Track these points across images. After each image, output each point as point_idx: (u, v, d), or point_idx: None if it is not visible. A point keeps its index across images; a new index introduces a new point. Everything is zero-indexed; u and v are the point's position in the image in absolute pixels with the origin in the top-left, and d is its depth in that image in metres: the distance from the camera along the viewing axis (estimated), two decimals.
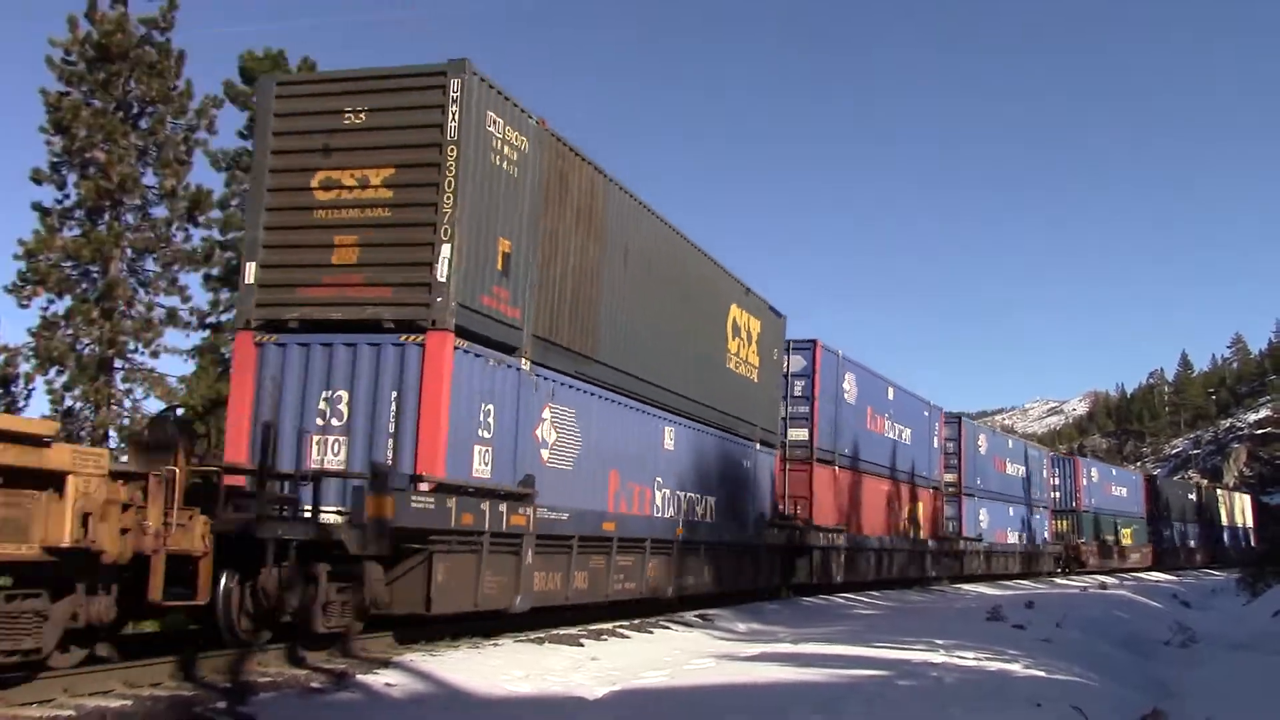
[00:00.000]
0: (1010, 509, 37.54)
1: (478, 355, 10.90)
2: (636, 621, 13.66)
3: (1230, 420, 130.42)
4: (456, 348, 10.48)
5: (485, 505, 10.76)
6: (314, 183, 10.96)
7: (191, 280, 24.33)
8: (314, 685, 7.91)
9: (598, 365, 13.28)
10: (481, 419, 11.00)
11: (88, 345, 20.57)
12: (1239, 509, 70.66)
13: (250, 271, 11.04)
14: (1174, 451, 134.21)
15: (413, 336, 10.43)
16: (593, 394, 13.21)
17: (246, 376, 10.91)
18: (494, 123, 11.09)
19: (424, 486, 10.06)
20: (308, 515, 9.80)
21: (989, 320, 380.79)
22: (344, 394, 10.59)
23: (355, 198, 10.85)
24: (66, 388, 20.23)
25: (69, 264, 20.50)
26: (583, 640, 11.59)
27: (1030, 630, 14.13)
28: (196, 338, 22.97)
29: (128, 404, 21.27)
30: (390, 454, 10.35)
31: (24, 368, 20.01)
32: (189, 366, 22.94)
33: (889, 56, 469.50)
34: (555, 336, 12.33)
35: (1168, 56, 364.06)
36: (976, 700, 8.23)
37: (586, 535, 12.89)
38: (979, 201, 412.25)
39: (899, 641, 12.30)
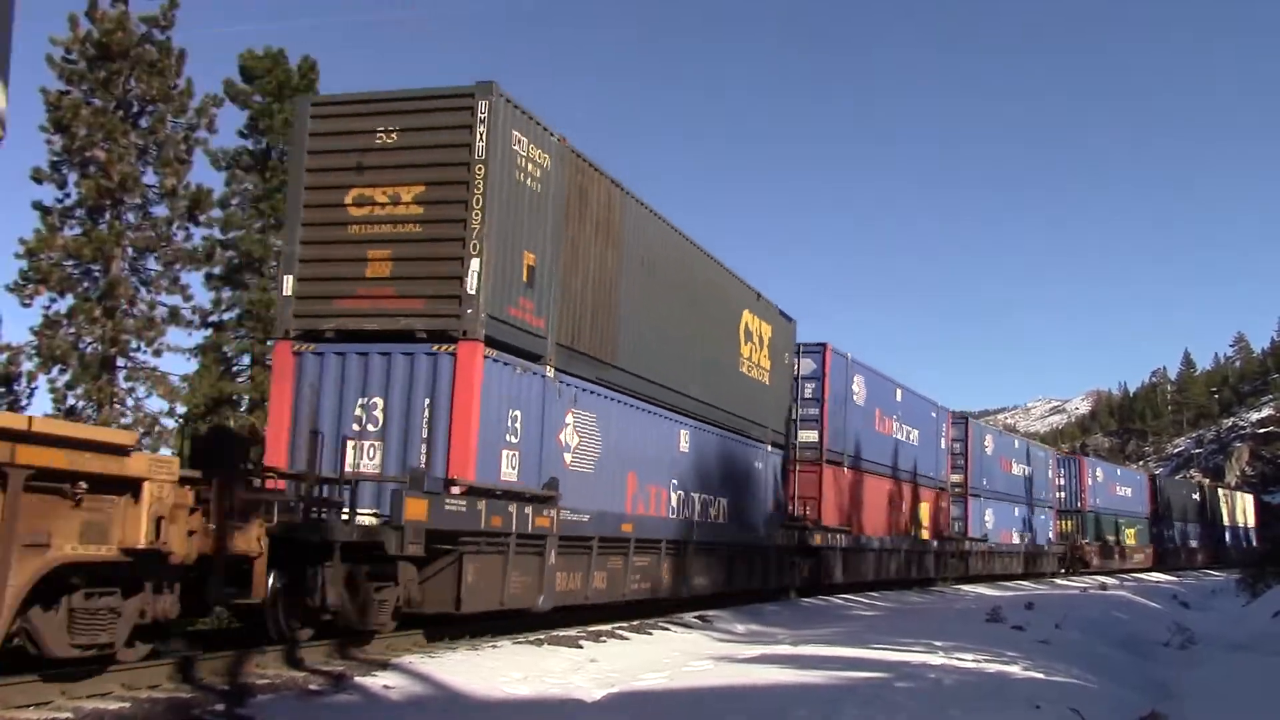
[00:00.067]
0: (1016, 509, 37.93)
1: (505, 363, 11.39)
2: (635, 623, 13.81)
3: (1233, 419, 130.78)
4: (486, 356, 10.97)
5: (513, 507, 11.27)
6: (348, 199, 11.45)
7: (193, 279, 24.47)
8: (312, 687, 7.96)
9: (617, 371, 13.77)
10: (509, 424, 11.50)
11: (90, 344, 20.71)
12: (1240, 508, 70.92)
13: (288, 284, 11.53)
14: (1176, 450, 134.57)
15: (444, 346, 10.92)
16: (612, 399, 13.71)
17: (285, 384, 11.40)
18: (519, 141, 11.59)
19: (456, 490, 10.55)
20: (345, 517, 10.30)
21: (990, 320, 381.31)
22: (379, 401, 11.09)
23: (388, 214, 11.34)
24: (69, 386, 20.43)
25: (70, 263, 20.66)
26: (581, 642, 11.70)
27: (1029, 631, 14.20)
28: (199, 336, 23.17)
29: (130, 403, 21.46)
30: (423, 459, 10.83)
31: (26, 366, 20.26)
32: (191, 365, 23.14)
33: (889, 56, 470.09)
34: (577, 344, 12.82)
35: (1168, 56, 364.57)
36: (975, 701, 8.29)
37: (606, 536, 13.39)
38: (979, 201, 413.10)
39: (898, 643, 12.36)
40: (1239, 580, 30.78)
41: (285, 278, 11.58)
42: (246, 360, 23.88)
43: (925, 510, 29.15)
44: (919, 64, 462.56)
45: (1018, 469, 38.54)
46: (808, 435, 21.65)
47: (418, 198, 11.26)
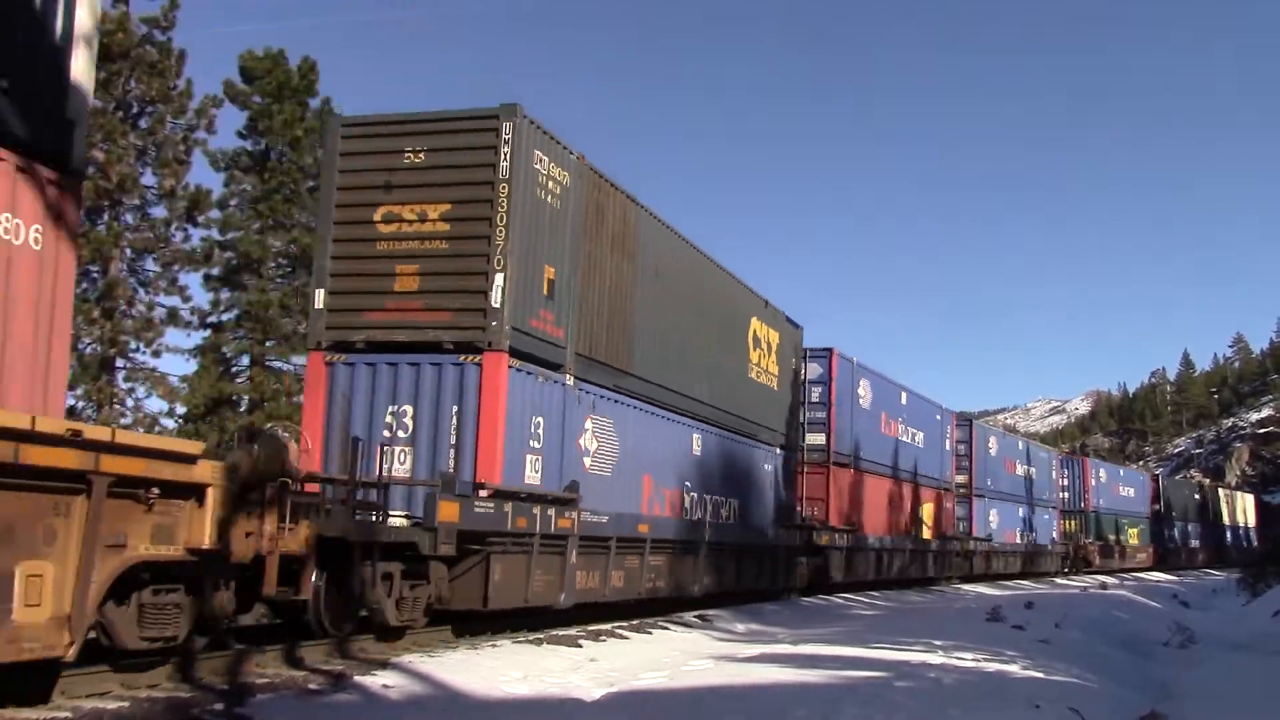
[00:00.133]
0: (1020, 509, 38.48)
1: (528, 373, 11.94)
2: (635, 622, 13.93)
3: (1232, 419, 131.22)
4: (510, 366, 11.52)
5: (536, 509, 11.81)
6: (377, 217, 12.01)
7: (192, 280, 24.78)
8: (312, 687, 7.96)
9: (632, 378, 14.32)
10: (532, 430, 12.04)
11: (89, 345, 20.88)
12: (1241, 508, 71.43)
13: (319, 297, 12.08)
14: (1176, 451, 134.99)
15: (471, 357, 11.47)
16: (629, 405, 14.25)
17: (318, 393, 11.95)
18: (540, 160, 12.14)
19: (483, 493, 11.10)
20: (380, 519, 10.83)
21: (990, 320, 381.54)
22: (409, 409, 11.64)
23: (415, 230, 11.89)
24: (69, 387, 20.79)
25: None
26: (581, 641, 11.77)
27: (1029, 631, 14.25)
28: (197, 337, 23.48)
29: (130, 403, 21.71)
30: (452, 463, 11.38)
31: None
32: (190, 366, 23.47)
33: (889, 56, 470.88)
34: (595, 353, 13.36)
35: (1168, 56, 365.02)
36: (975, 701, 8.28)
37: (624, 537, 13.93)
38: (979, 201, 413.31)
39: (898, 642, 12.39)
40: (1239, 580, 31.03)
41: (317, 291, 12.13)
42: (245, 361, 24.22)
43: (931, 511, 29.67)
44: (919, 64, 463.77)
45: (1021, 470, 39.09)
46: (815, 438, 22.22)
47: (444, 215, 11.81)
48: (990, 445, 35.72)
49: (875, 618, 18.29)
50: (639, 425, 14.53)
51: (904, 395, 27.77)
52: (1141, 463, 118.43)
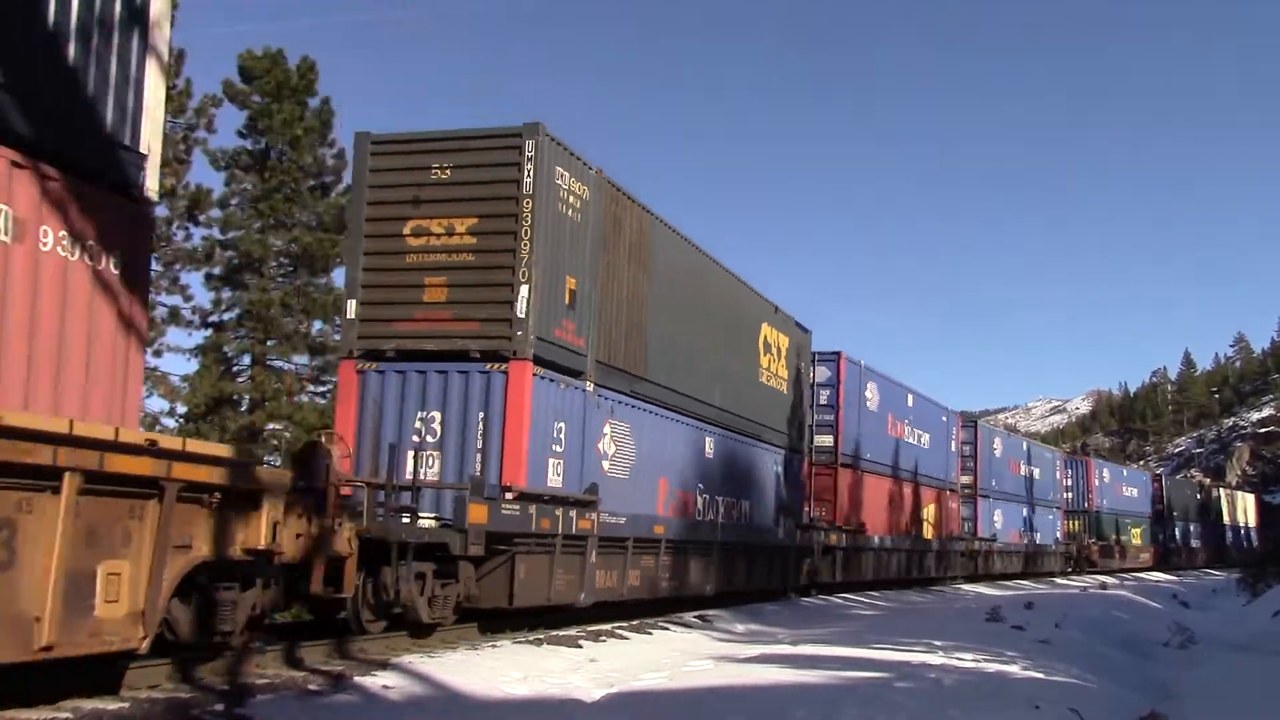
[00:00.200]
0: (1024, 510, 38.96)
1: (551, 380, 12.44)
2: (635, 623, 14.05)
3: (1233, 419, 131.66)
4: (534, 374, 12.03)
5: (559, 511, 12.33)
6: (406, 230, 12.52)
7: (193, 279, 24.79)
8: (311, 687, 7.99)
9: (648, 384, 14.83)
10: (554, 435, 12.55)
11: None
12: (1241, 508, 71.84)
13: (351, 308, 12.60)
14: (1177, 450, 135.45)
15: (497, 365, 11.98)
16: (645, 410, 14.77)
17: (350, 400, 12.46)
18: (561, 176, 12.65)
19: (509, 496, 11.62)
20: (410, 520, 11.35)
21: (990, 320, 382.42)
22: (437, 415, 12.15)
23: (443, 244, 12.40)
24: None
25: None
26: (581, 641, 11.86)
27: (1029, 631, 14.28)
28: (199, 336, 23.64)
29: None
30: (479, 467, 11.89)
31: None
32: (192, 365, 23.58)
33: (889, 56, 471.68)
34: (613, 360, 13.87)
35: (1168, 56, 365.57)
36: (974, 701, 8.28)
37: (640, 537, 14.44)
38: (979, 201, 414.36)
39: (898, 643, 12.40)
40: (1239, 580, 31.24)
41: (349, 302, 12.64)
42: (247, 360, 24.44)
43: (936, 511, 30.15)
44: (919, 64, 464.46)
45: (1026, 470, 39.56)
46: (823, 440, 22.76)
47: (471, 229, 12.31)
48: (995, 446, 36.23)
49: (875, 618, 18.39)
50: (654, 429, 15.05)
51: (910, 397, 28.28)
52: (1142, 462, 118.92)
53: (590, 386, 13.31)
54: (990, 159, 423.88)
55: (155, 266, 22.40)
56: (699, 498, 16.50)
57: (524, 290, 11.97)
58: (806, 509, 21.82)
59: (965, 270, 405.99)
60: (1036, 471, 40.66)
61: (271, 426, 24.05)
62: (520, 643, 11.21)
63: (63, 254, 6.58)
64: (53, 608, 6.13)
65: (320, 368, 24.75)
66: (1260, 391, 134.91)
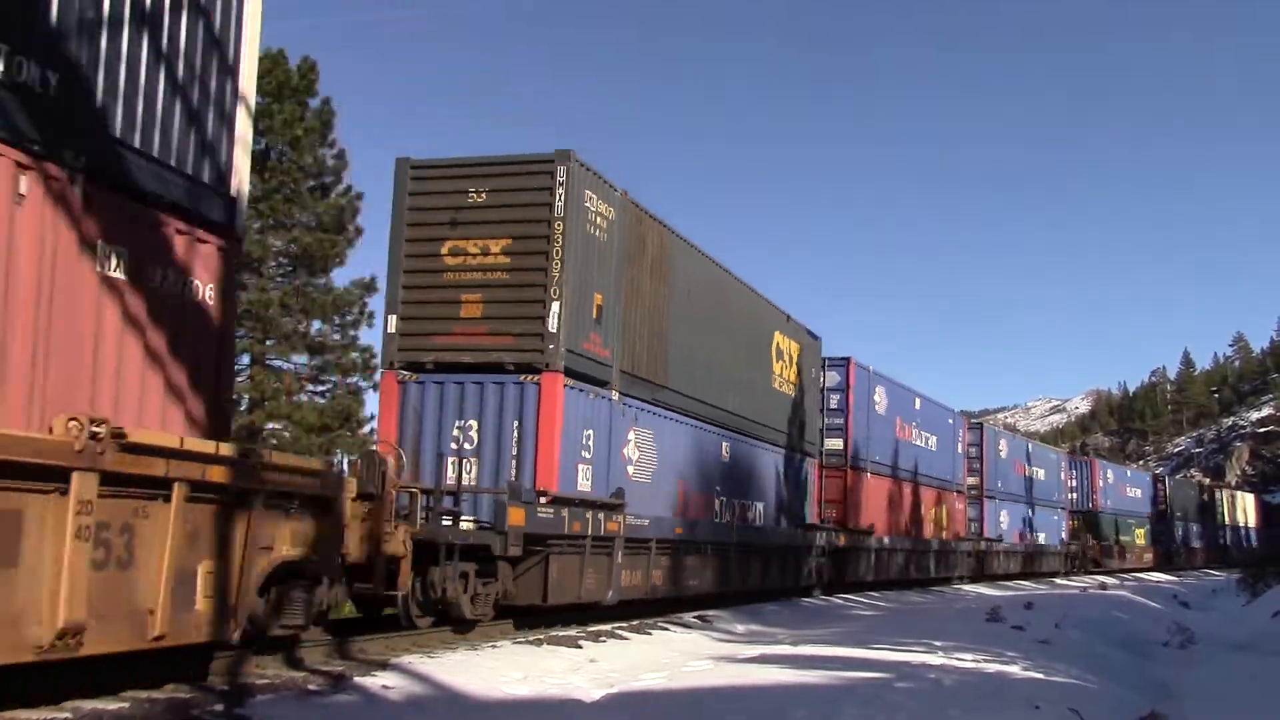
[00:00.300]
0: (1029, 510, 39.69)
1: (580, 390, 13.22)
2: (635, 623, 14.28)
3: (1233, 419, 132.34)
4: (565, 385, 12.80)
5: (589, 514, 13.11)
6: (444, 250, 13.29)
7: None
8: (311, 687, 8.08)
9: (668, 392, 15.61)
10: (584, 442, 13.33)
11: None
12: (1241, 508, 72.47)
13: (392, 323, 13.38)
14: (1176, 450, 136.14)
15: (530, 377, 12.75)
16: (665, 417, 15.55)
17: (391, 409, 13.24)
18: (590, 199, 13.42)
19: (544, 500, 12.40)
20: (452, 523, 12.13)
21: (990, 319, 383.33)
22: (474, 423, 12.92)
23: (479, 263, 13.18)
24: None
25: None
26: (581, 642, 12.08)
27: (1029, 631, 14.38)
28: None
29: None
30: (514, 473, 12.66)
31: None
32: None
33: (889, 56, 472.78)
34: (636, 370, 14.65)
35: (1168, 56, 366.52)
36: (975, 702, 8.31)
37: (662, 538, 15.22)
38: (979, 201, 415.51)
39: (898, 643, 12.48)
40: (1239, 580, 31.59)
41: (390, 317, 13.42)
42: (246, 360, 24.59)
43: (944, 512, 30.88)
44: (919, 64, 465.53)
45: (1031, 471, 40.29)
46: (833, 443, 23.56)
47: (505, 249, 13.09)
48: (1000, 448, 36.97)
49: (875, 618, 18.55)
50: (674, 435, 15.83)
51: (917, 400, 29.07)
52: (1142, 462, 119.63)
53: (616, 395, 14.08)
54: (990, 159, 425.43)
55: None
56: (716, 500, 17.28)
57: (555, 306, 12.74)
58: (816, 511, 22.60)
59: (965, 270, 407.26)
60: (1040, 472, 41.40)
61: (271, 426, 24.43)
62: (520, 643, 11.49)
63: (180, 289, 7.40)
64: (164, 602, 6.91)
65: (319, 367, 25.14)
66: (1259, 391, 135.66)
